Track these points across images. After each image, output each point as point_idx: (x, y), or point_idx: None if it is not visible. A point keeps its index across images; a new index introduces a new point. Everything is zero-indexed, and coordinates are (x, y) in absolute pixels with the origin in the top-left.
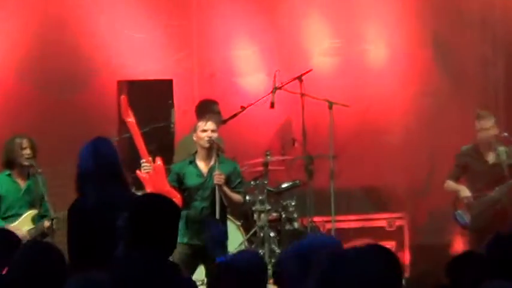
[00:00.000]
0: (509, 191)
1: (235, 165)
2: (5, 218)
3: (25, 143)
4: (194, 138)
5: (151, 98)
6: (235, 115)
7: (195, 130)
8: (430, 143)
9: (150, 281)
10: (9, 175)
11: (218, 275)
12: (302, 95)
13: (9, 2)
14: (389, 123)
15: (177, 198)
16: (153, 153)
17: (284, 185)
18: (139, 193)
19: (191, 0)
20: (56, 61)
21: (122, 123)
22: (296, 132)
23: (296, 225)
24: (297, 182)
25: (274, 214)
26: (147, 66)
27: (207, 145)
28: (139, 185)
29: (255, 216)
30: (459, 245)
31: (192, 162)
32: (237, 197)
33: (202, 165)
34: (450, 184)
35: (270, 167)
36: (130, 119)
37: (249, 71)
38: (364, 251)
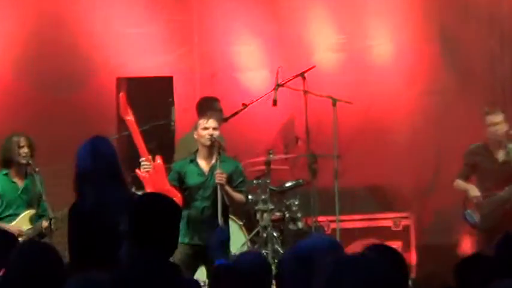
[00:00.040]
0: None
1: (237, 164)
2: (2, 218)
3: (23, 141)
4: (195, 136)
5: (151, 95)
6: (237, 113)
7: (196, 128)
8: (437, 141)
9: (150, 282)
10: (6, 174)
11: (219, 277)
12: (305, 92)
13: (4, 0)
14: (394, 120)
15: (177, 197)
16: (153, 152)
17: (287, 184)
18: (139, 193)
19: None
20: (53, 59)
21: (121, 121)
22: (299, 130)
23: (300, 225)
24: (301, 181)
25: (278, 214)
26: (146, 62)
27: (208, 143)
28: (139, 184)
29: (258, 215)
30: (467, 245)
31: (193, 160)
32: (239, 196)
33: (203, 164)
34: (459, 183)
35: (272, 166)
36: (129, 117)
37: (251, 67)
38: (369, 252)
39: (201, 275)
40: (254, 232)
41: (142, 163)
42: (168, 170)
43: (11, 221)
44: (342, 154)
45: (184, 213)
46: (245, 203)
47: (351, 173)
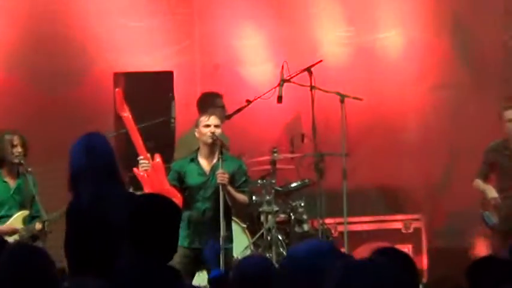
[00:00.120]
0: None
1: (240, 163)
2: None
3: (16, 140)
4: (196, 134)
5: (150, 91)
6: (240, 109)
7: (197, 125)
8: (449, 139)
9: (149, 287)
10: None
11: (223, 282)
12: (312, 87)
13: None
14: (405, 117)
15: (177, 198)
16: (151, 150)
17: (293, 185)
18: (137, 193)
19: None
20: (47, 54)
21: (119, 118)
22: (305, 128)
23: (306, 227)
24: (307, 181)
25: (283, 216)
26: (145, 57)
27: (209, 141)
28: (137, 184)
29: (262, 218)
30: (481, 249)
31: (194, 159)
32: (242, 197)
33: (204, 163)
34: (478, 183)
35: (277, 165)
36: (126, 114)
37: (255, 62)
38: (378, 256)
39: (202, 280)
40: (258, 235)
41: (140, 162)
42: (168, 169)
43: (3, 223)
44: (350, 153)
45: (185, 215)
46: (248, 204)
47: (360, 172)
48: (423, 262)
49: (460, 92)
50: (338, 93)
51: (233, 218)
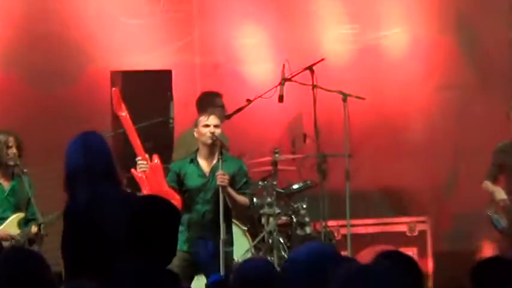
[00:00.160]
0: None
1: (240, 164)
2: None
3: (11, 141)
4: (195, 135)
5: (148, 90)
6: (240, 109)
7: (196, 125)
8: (455, 140)
9: None
10: None
11: (222, 287)
12: (314, 86)
13: None
14: (409, 117)
15: (176, 200)
16: (149, 151)
17: (295, 186)
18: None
19: None
20: (42, 52)
21: (116, 118)
22: (307, 128)
23: (308, 230)
24: (309, 182)
25: (284, 218)
26: (143, 55)
27: (209, 142)
28: (135, 185)
29: (263, 220)
30: (489, 252)
31: (193, 160)
32: (242, 199)
33: (204, 164)
34: (487, 185)
35: (279, 166)
36: (123, 113)
37: (256, 60)
38: (382, 260)
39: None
40: (259, 238)
41: (138, 163)
42: (166, 170)
43: None
44: (353, 153)
45: (184, 217)
46: (249, 207)
47: (363, 174)
48: (428, 266)
49: (466, 91)
50: (341, 93)
51: (233, 220)
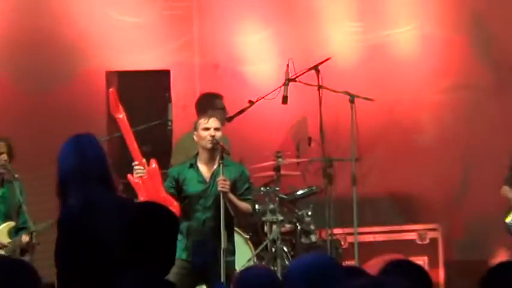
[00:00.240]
0: None
1: (242, 169)
2: None
3: (1, 146)
4: (195, 138)
5: (145, 91)
6: (242, 111)
7: (195, 128)
8: (468, 143)
9: None
10: None
11: None
12: (319, 87)
13: None
14: (420, 119)
15: (174, 207)
16: (147, 155)
17: (299, 192)
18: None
19: None
20: (33, 51)
21: (112, 121)
22: (312, 131)
23: (313, 238)
24: (314, 188)
25: (288, 226)
26: (140, 54)
27: (209, 146)
28: (131, 191)
29: (266, 228)
30: (503, 260)
31: (193, 165)
32: (244, 205)
33: (204, 169)
34: (506, 190)
35: (282, 172)
36: (121, 115)
37: (258, 59)
38: (391, 269)
39: None
40: (262, 246)
41: (135, 168)
42: (164, 176)
43: None
44: (360, 158)
45: (183, 225)
46: (252, 214)
47: (371, 179)
48: (440, 275)
49: (480, 92)
50: (347, 93)
51: (235, 228)
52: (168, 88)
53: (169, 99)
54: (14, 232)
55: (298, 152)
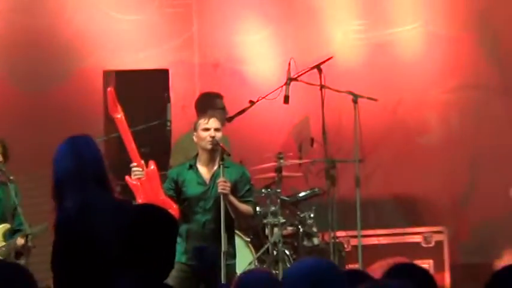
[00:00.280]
0: None
1: (243, 170)
2: None
3: None
4: (194, 139)
5: (143, 91)
6: (242, 111)
7: (195, 129)
8: (474, 144)
9: None
10: None
11: None
12: (322, 86)
13: None
14: (425, 120)
15: (173, 209)
16: (145, 156)
17: (301, 194)
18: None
19: None
20: (29, 49)
21: (109, 122)
22: (315, 132)
23: (316, 241)
24: (317, 190)
25: (290, 228)
26: (138, 53)
27: (209, 147)
28: (129, 194)
29: (267, 230)
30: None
31: (192, 167)
32: (245, 208)
33: (204, 171)
34: None
35: (284, 173)
36: (119, 115)
37: (259, 58)
38: (395, 273)
39: None
40: (263, 250)
41: (133, 169)
42: (163, 177)
43: None
44: (364, 159)
45: (182, 228)
46: (253, 216)
47: (375, 180)
48: (445, 280)
49: (487, 92)
50: (351, 93)
51: (236, 231)
52: (167, 88)
53: (168, 99)
54: (9, 235)
55: (300, 153)
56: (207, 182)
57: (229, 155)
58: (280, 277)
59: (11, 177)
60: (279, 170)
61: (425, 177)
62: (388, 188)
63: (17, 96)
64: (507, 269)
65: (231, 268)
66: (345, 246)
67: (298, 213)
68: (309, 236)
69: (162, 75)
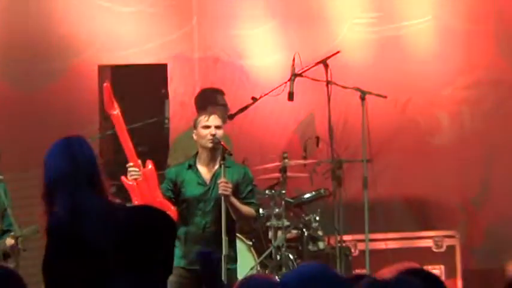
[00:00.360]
0: None
1: (245, 171)
2: None
3: None
4: (194, 137)
5: (140, 86)
6: (244, 108)
7: (195, 126)
8: (488, 144)
9: None
10: None
11: None
12: (328, 82)
13: None
14: (436, 118)
15: (171, 211)
16: (143, 155)
17: (306, 196)
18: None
19: None
20: (20, 42)
21: (104, 119)
22: (321, 130)
23: (321, 245)
24: (322, 191)
25: (294, 231)
26: (134, 47)
27: (209, 145)
28: (125, 194)
29: (270, 234)
30: None
31: (192, 166)
32: (247, 210)
33: (204, 171)
34: None
35: (288, 173)
36: (116, 112)
37: (262, 53)
38: (404, 279)
39: None
40: (266, 254)
41: (129, 169)
42: (161, 177)
43: None
44: (372, 159)
45: (181, 231)
46: (255, 219)
47: (384, 182)
48: (457, 286)
49: (502, 90)
50: (358, 90)
51: (237, 234)
52: (165, 83)
53: (166, 95)
54: None
55: (305, 152)
56: (207, 182)
57: (230, 154)
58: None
59: (1, 177)
60: (283, 170)
61: (437, 178)
62: (398, 190)
63: (8, 93)
64: None
65: (231, 273)
66: (352, 250)
67: (303, 215)
68: (314, 239)
69: (160, 70)
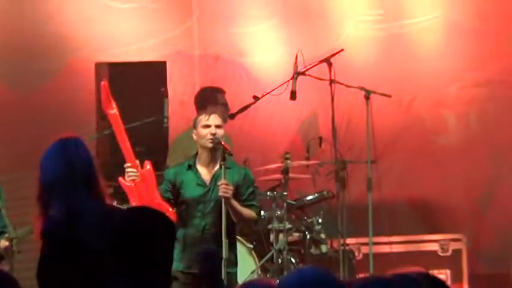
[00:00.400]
0: None
1: (246, 172)
2: None
3: None
4: (193, 137)
5: (138, 84)
6: (246, 107)
7: (194, 126)
8: (496, 144)
9: None
10: None
11: None
12: (331, 81)
13: None
14: (443, 118)
15: (170, 213)
16: (141, 156)
17: (309, 198)
18: (123, 206)
19: None
20: (15, 39)
21: (101, 118)
22: (324, 130)
23: (324, 248)
24: (325, 193)
25: (296, 234)
26: (133, 44)
27: (210, 145)
28: (123, 196)
29: (272, 236)
30: None
31: (191, 167)
32: (248, 212)
33: (204, 172)
34: None
35: (290, 174)
36: (113, 111)
37: (264, 51)
38: (409, 283)
39: None
40: (267, 257)
41: (127, 170)
42: (159, 178)
43: None
44: (377, 160)
45: (180, 233)
46: (256, 221)
47: (388, 183)
48: None
49: (509, 89)
50: (362, 89)
51: (238, 237)
52: (164, 81)
53: (165, 94)
54: None
55: (308, 153)
56: (207, 183)
57: (231, 154)
58: None
59: None
60: (285, 171)
61: (443, 179)
62: (403, 192)
63: (6, 96)
64: None
65: (231, 277)
66: (356, 254)
67: (305, 218)
68: (317, 243)
69: (159, 68)
